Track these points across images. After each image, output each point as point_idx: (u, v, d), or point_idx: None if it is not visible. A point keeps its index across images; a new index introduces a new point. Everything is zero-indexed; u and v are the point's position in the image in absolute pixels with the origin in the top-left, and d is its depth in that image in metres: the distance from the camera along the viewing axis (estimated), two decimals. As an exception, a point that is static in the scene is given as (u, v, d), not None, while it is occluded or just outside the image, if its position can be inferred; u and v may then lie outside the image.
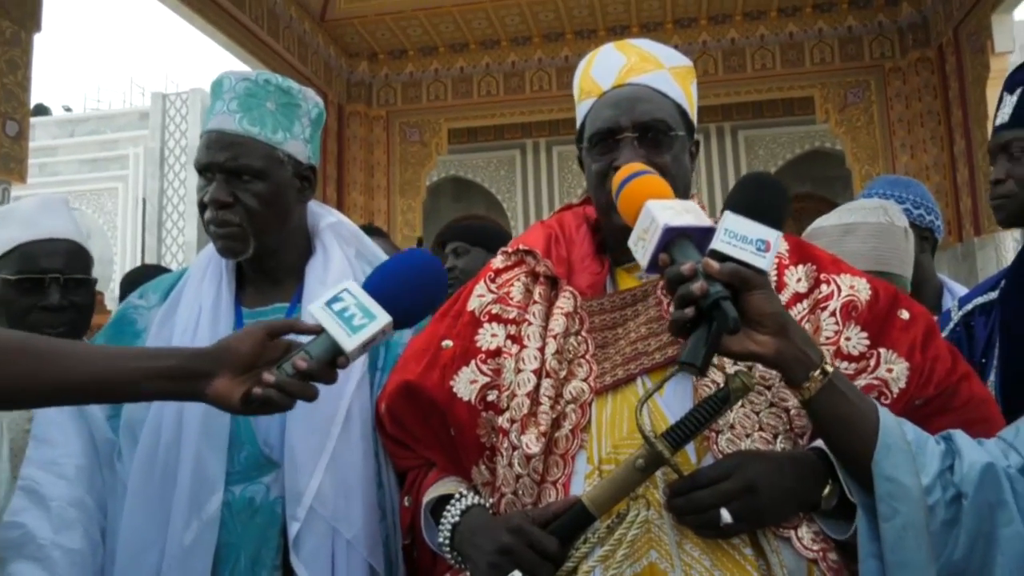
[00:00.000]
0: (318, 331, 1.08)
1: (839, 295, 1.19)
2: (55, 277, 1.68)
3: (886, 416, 1.03)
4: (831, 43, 8.09)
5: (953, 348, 1.22)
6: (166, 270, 3.32)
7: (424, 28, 8.39)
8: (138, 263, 11.37)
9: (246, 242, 1.39)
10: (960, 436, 1.05)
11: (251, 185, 1.37)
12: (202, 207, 1.40)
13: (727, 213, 1.05)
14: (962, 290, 2.30)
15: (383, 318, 1.07)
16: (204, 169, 1.39)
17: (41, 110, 14.13)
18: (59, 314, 1.68)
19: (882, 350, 1.15)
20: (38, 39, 4.93)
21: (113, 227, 12.34)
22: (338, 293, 1.08)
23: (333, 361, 1.07)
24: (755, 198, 1.07)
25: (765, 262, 1.01)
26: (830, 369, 1.02)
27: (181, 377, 1.05)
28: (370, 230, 2.73)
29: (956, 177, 7.39)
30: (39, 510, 1.31)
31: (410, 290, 1.11)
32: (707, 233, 1.03)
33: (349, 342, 1.04)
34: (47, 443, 1.37)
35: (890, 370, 1.14)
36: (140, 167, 12.22)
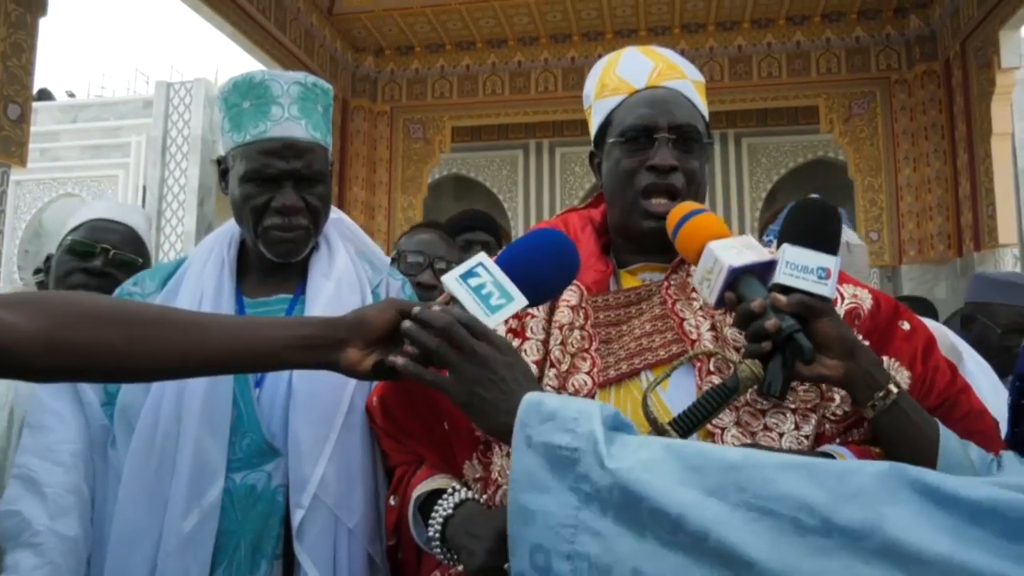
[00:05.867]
0: (446, 304, 1.05)
1: (842, 302, 1.19)
2: (105, 248, 1.86)
3: (948, 437, 1.05)
4: (838, 53, 8.09)
5: (951, 362, 1.22)
6: None
7: (431, 25, 8.39)
8: (137, 251, 11.32)
9: (308, 243, 1.44)
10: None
11: (315, 188, 1.42)
12: (257, 212, 1.39)
13: (786, 245, 1.08)
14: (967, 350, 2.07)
15: (520, 300, 1.03)
16: (277, 177, 1.38)
17: (44, 95, 14.07)
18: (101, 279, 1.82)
19: (884, 358, 1.16)
20: (44, 23, 4.93)
21: (113, 214, 12.31)
22: (473, 267, 1.05)
23: None
24: (813, 224, 1.10)
25: (828, 289, 1.05)
26: (895, 390, 1.06)
27: (320, 346, 1.06)
28: (430, 225, 2.51)
29: (958, 191, 7.40)
30: (35, 497, 1.30)
31: (543, 271, 1.08)
32: (769, 266, 1.07)
33: (488, 321, 1.01)
34: (42, 430, 1.36)
35: None
36: (142, 155, 12.19)
